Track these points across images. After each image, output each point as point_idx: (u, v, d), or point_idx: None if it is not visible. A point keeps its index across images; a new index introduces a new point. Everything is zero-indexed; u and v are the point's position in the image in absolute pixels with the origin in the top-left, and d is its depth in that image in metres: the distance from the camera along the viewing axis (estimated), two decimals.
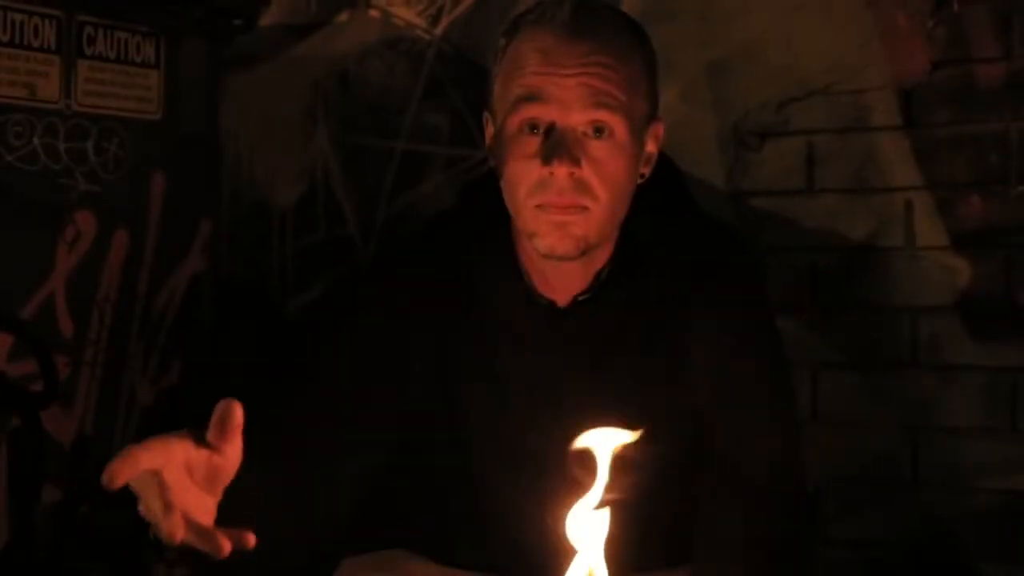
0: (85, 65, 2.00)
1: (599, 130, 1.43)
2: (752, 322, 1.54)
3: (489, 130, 1.53)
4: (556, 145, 1.41)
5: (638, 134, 1.48)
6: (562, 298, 1.52)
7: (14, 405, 1.91)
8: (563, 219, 1.43)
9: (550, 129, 1.42)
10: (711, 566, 1.46)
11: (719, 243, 1.57)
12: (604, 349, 1.49)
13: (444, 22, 2.47)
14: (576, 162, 1.41)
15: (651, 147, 1.53)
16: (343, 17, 2.54)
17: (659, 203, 1.55)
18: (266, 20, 2.44)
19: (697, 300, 1.51)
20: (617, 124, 1.43)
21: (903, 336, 2.14)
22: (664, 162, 1.61)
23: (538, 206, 1.43)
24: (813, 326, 2.18)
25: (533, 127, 1.43)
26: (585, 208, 1.42)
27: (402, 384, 1.53)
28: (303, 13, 2.56)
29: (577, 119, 1.42)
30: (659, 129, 1.54)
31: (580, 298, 1.51)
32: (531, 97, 1.43)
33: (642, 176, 1.52)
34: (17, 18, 1.91)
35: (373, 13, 2.52)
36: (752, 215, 2.22)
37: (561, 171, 1.40)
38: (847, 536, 2.16)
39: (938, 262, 2.11)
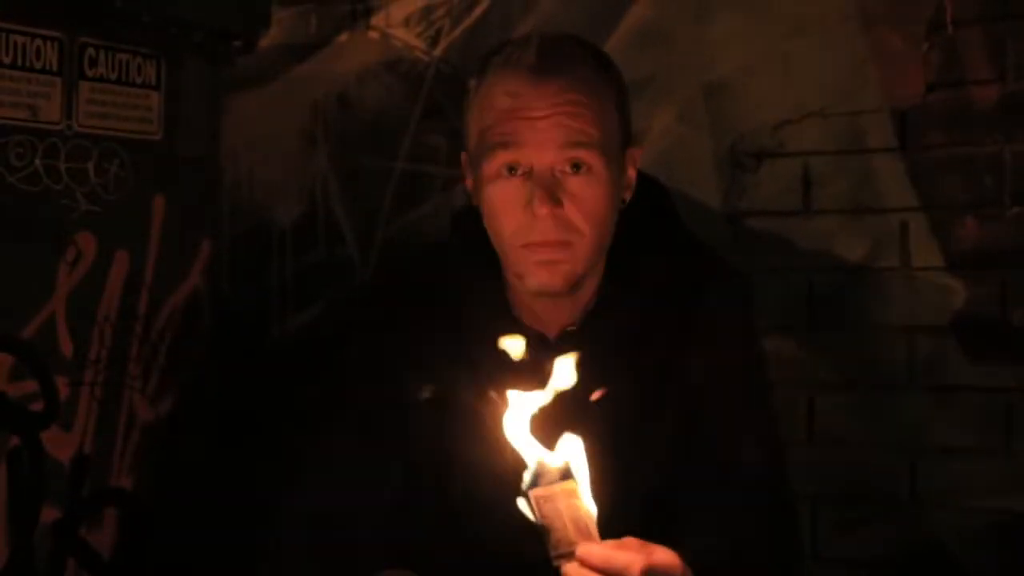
0: (86, 86, 2.01)
1: (576, 166, 1.44)
2: (738, 348, 1.55)
3: (467, 168, 1.54)
4: (536, 187, 1.43)
5: (615, 163, 1.49)
6: (551, 331, 1.53)
7: (14, 425, 1.91)
8: (550, 257, 1.44)
9: (528, 170, 1.44)
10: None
11: (706, 270, 1.58)
12: (594, 379, 1.49)
13: (443, 43, 2.48)
14: (557, 202, 1.43)
15: (630, 172, 1.55)
16: (343, 38, 2.56)
17: (648, 230, 1.57)
18: (266, 41, 2.45)
19: (684, 327, 1.52)
20: (593, 159, 1.45)
21: (899, 357, 2.14)
22: (655, 187, 1.62)
23: (524, 246, 1.45)
24: (809, 347, 2.19)
25: (511, 169, 1.45)
26: (570, 244, 1.44)
27: (403, 424, 1.54)
28: (303, 34, 2.58)
29: (553, 159, 1.44)
30: (636, 154, 1.55)
31: (569, 330, 1.52)
32: (506, 144, 1.44)
33: (623, 201, 1.54)
34: (19, 40, 1.92)
35: (372, 34, 2.54)
36: (749, 236, 2.23)
37: (543, 212, 1.42)
38: (844, 556, 2.17)
39: (934, 283, 2.12)
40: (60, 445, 1.97)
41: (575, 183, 1.44)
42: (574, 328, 1.52)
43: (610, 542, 1.24)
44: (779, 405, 1.66)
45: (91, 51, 2.01)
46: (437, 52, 2.48)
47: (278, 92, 2.59)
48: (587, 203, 1.44)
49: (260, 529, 1.56)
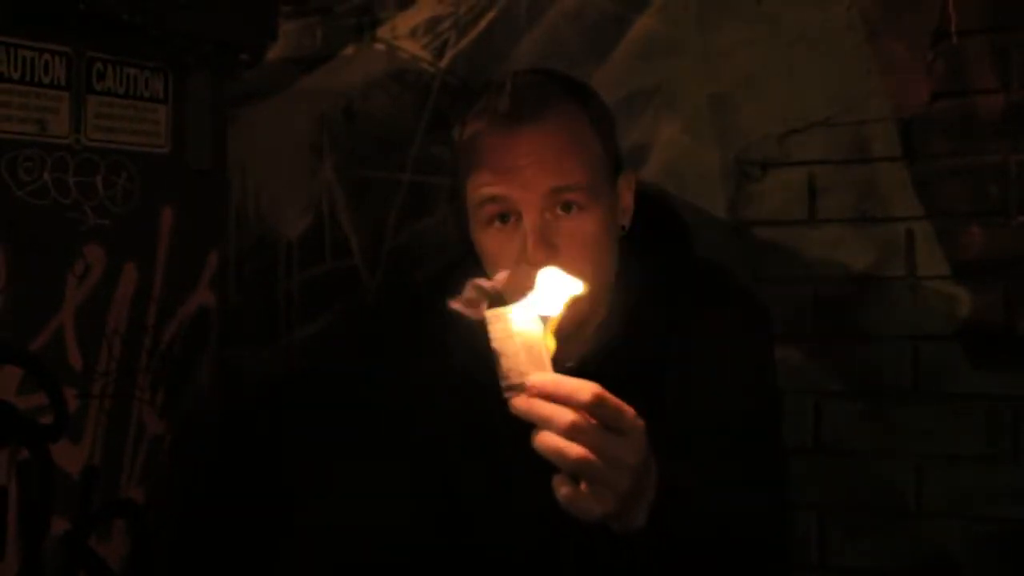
0: (94, 100, 2.02)
1: (567, 206, 1.44)
2: (750, 375, 1.54)
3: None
4: (529, 234, 1.42)
5: (606, 196, 1.48)
6: (562, 357, 1.52)
7: (24, 437, 1.92)
8: None
9: (519, 217, 1.44)
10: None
11: (717, 293, 1.57)
12: None
13: (449, 55, 2.49)
14: (551, 246, 1.43)
15: (626, 199, 1.54)
16: (349, 51, 2.57)
17: (657, 255, 1.56)
18: (273, 54, 2.46)
19: (697, 349, 1.51)
20: (582, 198, 1.44)
21: (905, 365, 2.15)
22: (664, 209, 1.62)
23: (526, 292, 1.44)
24: (815, 355, 2.19)
25: (503, 217, 1.45)
26: None
27: (415, 449, 1.54)
28: (309, 47, 2.59)
29: (542, 204, 1.43)
30: (630, 179, 1.55)
31: (567, 365, 1.51)
32: (493, 196, 1.44)
33: (623, 228, 1.53)
34: (27, 55, 1.93)
35: (379, 47, 2.54)
36: (755, 245, 2.23)
37: (538, 258, 1.42)
38: (851, 565, 2.17)
39: (939, 291, 2.12)
40: (69, 457, 1.98)
41: (567, 224, 1.44)
42: (589, 353, 1.50)
43: None
44: (785, 413, 1.66)
45: (99, 65, 2.03)
46: (443, 64, 2.49)
47: (284, 104, 2.60)
48: (582, 242, 1.44)
49: (274, 543, 1.57)
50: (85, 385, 2.00)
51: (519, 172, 1.43)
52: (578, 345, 1.50)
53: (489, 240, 1.47)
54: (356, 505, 1.52)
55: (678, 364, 1.50)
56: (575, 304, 1.44)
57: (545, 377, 1.18)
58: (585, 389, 1.17)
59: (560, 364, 1.45)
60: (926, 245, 2.13)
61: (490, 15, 2.46)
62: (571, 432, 1.15)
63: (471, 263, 1.58)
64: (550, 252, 1.42)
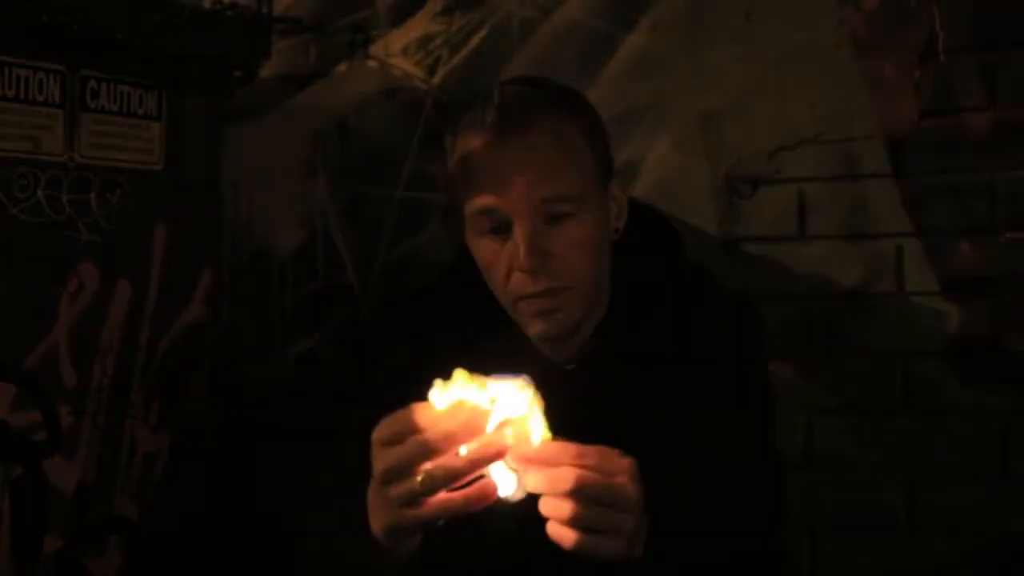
0: (88, 118, 2.03)
1: (558, 213, 1.45)
2: (744, 377, 1.55)
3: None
4: (520, 244, 1.42)
5: (597, 201, 1.48)
6: (560, 356, 1.53)
7: (17, 454, 1.92)
8: (547, 305, 1.45)
9: (510, 227, 1.45)
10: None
11: (710, 301, 1.59)
12: (604, 406, 1.47)
13: (441, 72, 2.50)
14: (543, 254, 1.43)
15: (620, 202, 1.55)
16: (342, 68, 2.58)
17: (651, 262, 1.57)
18: (266, 72, 2.47)
19: (688, 359, 1.52)
20: (572, 206, 1.44)
21: (895, 380, 2.15)
22: (657, 218, 1.63)
23: (519, 299, 1.46)
24: (806, 371, 2.20)
25: (494, 229, 1.46)
26: (564, 290, 1.44)
27: None
28: (302, 64, 2.60)
29: (533, 214, 1.44)
30: (623, 182, 1.56)
31: (568, 368, 1.51)
32: (484, 207, 1.45)
33: (616, 231, 1.54)
34: (22, 74, 1.94)
35: (371, 64, 2.56)
36: (745, 261, 2.24)
37: (530, 267, 1.42)
38: None
39: (928, 308, 2.13)
40: (62, 474, 1.99)
41: (558, 232, 1.44)
42: (587, 355, 1.51)
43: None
44: (777, 426, 1.67)
45: (93, 83, 2.04)
46: (435, 81, 2.50)
47: (278, 122, 2.61)
48: (575, 248, 1.44)
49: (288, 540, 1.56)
50: (79, 402, 2.01)
51: (509, 183, 1.43)
52: (575, 347, 1.51)
53: (483, 249, 1.48)
54: (344, 515, 1.52)
55: (671, 367, 1.51)
56: (571, 307, 1.47)
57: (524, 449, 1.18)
58: (565, 472, 1.17)
59: (560, 367, 1.46)
60: (915, 261, 2.14)
61: (481, 33, 2.47)
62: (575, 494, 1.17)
63: (469, 270, 1.58)
64: (542, 259, 1.43)
